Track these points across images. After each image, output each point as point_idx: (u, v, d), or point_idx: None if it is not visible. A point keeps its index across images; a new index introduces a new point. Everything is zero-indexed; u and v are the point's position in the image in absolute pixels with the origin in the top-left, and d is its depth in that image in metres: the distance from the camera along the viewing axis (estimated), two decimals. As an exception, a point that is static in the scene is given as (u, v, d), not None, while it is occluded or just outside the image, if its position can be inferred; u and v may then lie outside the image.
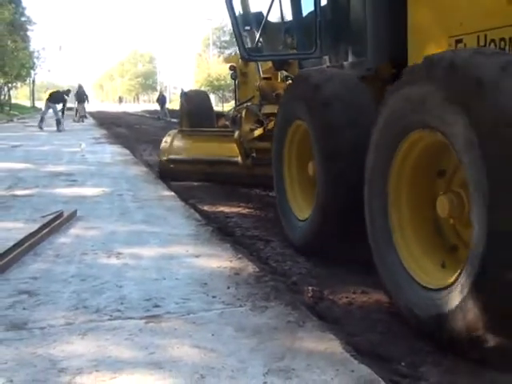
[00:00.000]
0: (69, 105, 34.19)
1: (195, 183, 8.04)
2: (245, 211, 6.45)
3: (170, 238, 4.82)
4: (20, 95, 78.23)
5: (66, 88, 25.92)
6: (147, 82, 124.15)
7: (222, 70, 41.19)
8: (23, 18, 44.54)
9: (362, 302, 3.49)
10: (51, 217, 5.32)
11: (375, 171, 3.39)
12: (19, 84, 51.43)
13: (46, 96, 22.94)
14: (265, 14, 6.08)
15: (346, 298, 3.55)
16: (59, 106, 22.64)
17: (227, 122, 8.60)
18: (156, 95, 45.67)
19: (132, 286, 3.59)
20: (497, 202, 2.45)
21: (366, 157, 3.45)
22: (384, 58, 4.43)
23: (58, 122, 21.21)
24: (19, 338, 2.79)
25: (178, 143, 8.34)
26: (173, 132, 8.81)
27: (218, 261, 4.09)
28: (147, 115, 39.01)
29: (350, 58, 4.94)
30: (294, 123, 4.74)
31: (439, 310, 2.75)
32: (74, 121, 27.97)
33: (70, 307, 3.21)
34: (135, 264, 4.07)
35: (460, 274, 2.67)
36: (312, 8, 5.29)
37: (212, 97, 50.62)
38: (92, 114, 35.67)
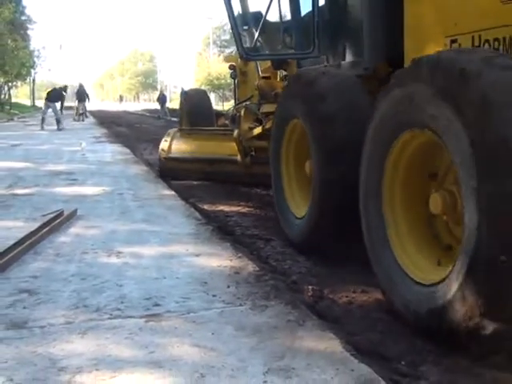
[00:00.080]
0: (69, 104, 34.27)
1: (195, 182, 8.05)
2: (245, 210, 6.45)
3: (171, 236, 4.82)
4: (20, 94, 78.19)
5: (62, 85, 25.68)
6: (147, 81, 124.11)
7: (222, 69, 41.15)
8: (23, 17, 44.57)
9: (362, 301, 3.50)
10: (51, 216, 5.32)
11: (369, 170, 3.44)
12: (19, 83, 51.45)
13: (44, 95, 23.01)
14: (263, 14, 6.09)
15: (346, 297, 3.55)
16: (58, 105, 22.61)
17: (227, 121, 8.61)
18: (156, 94, 45.73)
19: (132, 284, 3.59)
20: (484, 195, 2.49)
21: (361, 156, 3.50)
22: (381, 57, 4.46)
23: (58, 121, 21.21)
24: (19, 337, 2.79)
25: (177, 142, 8.36)
26: (172, 131, 8.83)
27: (218, 260, 4.09)
28: (147, 114, 39.01)
29: (348, 58, 4.97)
30: (291, 122, 4.79)
31: (436, 304, 2.77)
32: (75, 120, 27.96)
33: (70, 306, 3.21)
34: (135, 263, 4.07)
35: (453, 267, 2.71)
36: (310, 8, 5.32)
37: (212, 96, 50.66)
38: (92, 113, 35.65)
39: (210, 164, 7.87)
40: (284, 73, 6.53)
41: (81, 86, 29.94)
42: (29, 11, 69.78)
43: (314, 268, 4.14)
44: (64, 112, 25.68)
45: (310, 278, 3.87)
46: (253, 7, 6.92)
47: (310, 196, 4.41)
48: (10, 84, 44.60)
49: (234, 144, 7.22)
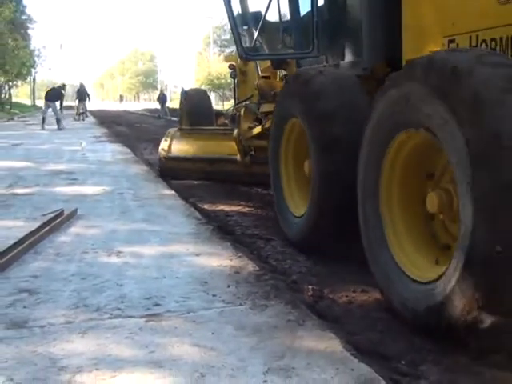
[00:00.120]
0: (70, 103, 34.26)
1: (195, 182, 8.05)
2: (245, 210, 6.45)
3: (171, 236, 4.82)
4: (20, 94, 78.21)
5: (60, 83, 25.53)
6: (148, 81, 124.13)
7: (223, 69, 41.12)
8: (24, 17, 44.59)
9: (362, 301, 3.50)
10: (52, 215, 5.32)
11: (367, 170, 3.48)
12: (20, 82, 51.43)
13: (43, 95, 23.03)
14: (263, 14, 6.10)
15: (346, 296, 3.55)
16: (58, 104, 22.57)
17: (226, 121, 8.62)
18: (156, 94, 45.71)
19: (132, 284, 3.59)
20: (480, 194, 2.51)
21: (359, 156, 3.54)
22: (379, 57, 4.49)
23: (58, 121, 21.21)
24: (19, 337, 2.79)
25: (177, 141, 8.37)
26: (172, 130, 8.84)
27: (219, 259, 4.09)
28: (148, 114, 39.01)
29: (347, 58, 4.99)
30: (290, 121, 4.82)
31: (434, 300, 2.79)
32: (75, 119, 27.97)
33: (71, 306, 3.21)
34: (136, 263, 4.07)
35: (450, 263, 2.73)
36: (309, 8, 5.34)
37: (212, 95, 50.63)
38: (93, 113, 35.65)
39: (210, 163, 7.88)
40: (284, 72, 6.54)
41: (81, 86, 29.93)
42: (29, 10, 70.02)
43: (314, 268, 4.14)
44: (64, 112, 25.68)
45: (310, 278, 3.87)
46: (252, 7, 6.94)
47: (309, 195, 4.43)
48: (10, 83, 44.59)
49: (234, 143, 7.23)
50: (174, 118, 24.54)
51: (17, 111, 40.63)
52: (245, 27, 6.69)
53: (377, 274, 3.38)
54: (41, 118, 22.36)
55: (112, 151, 12.62)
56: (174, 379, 2.38)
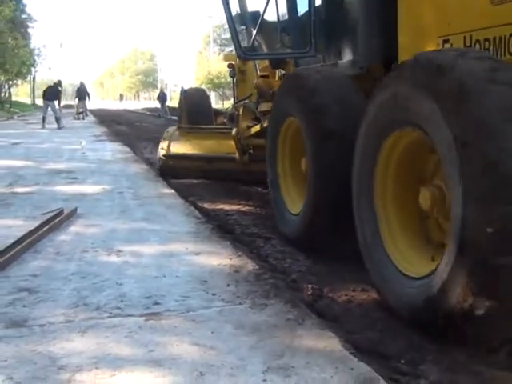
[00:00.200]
0: (69, 102, 34.21)
1: (195, 181, 8.05)
2: (245, 209, 6.45)
3: (170, 235, 4.82)
4: (20, 93, 78.18)
5: (56, 80, 25.30)
6: (148, 80, 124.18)
7: (222, 68, 41.08)
8: (24, 16, 44.55)
9: (361, 300, 3.50)
10: (51, 214, 5.32)
11: (361, 171, 3.55)
12: (20, 81, 51.39)
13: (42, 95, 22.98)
14: (261, 13, 6.12)
15: (346, 295, 3.55)
16: (57, 103, 22.49)
17: (225, 120, 8.63)
18: (156, 93, 45.68)
19: (132, 283, 3.59)
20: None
21: (354, 154, 3.60)
22: (376, 57, 4.52)
23: (58, 120, 21.20)
24: (19, 336, 2.79)
25: (176, 140, 8.38)
26: (172, 129, 8.84)
27: (218, 258, 4.09)
28: (148, 113, 39.02)
29: (344, 57, 5.02)
30: (287, 119, 4.87)
31: (430, 293, 2.81)
32: (75, 118, 27.95)
33: (70, 305, 3.21)
34: (135, 262, 4.07)
35: (444, 256, 2.78)
36: (307, 8, 5.37)
37: (212, 94, 50.61)
38: (92, 112, 35.65)
39: (209, 162, 7.90)
40: (282, 72, 6.55)
41: (82, 85, 29.88)
42: (29, 9, 69.85)
43: (314, 267, 4.14)
44: (64, 110, 25.64)
45: (310, 277, 3.87)
46: (251, 7, 6.96)
47: (306, 193, 4.48)
48: (10, 82, 44.55)
49: (233, 142, 7.26)
50: (174, 117, 24.48)
51: (17, 110, 40.63)
52: (243, 27, 6.72)
53: (372, 270, 3.43)
54: (41, 117, 22.36)
55: (112, 150, 12.62)
56: (174, 378, 2.38)
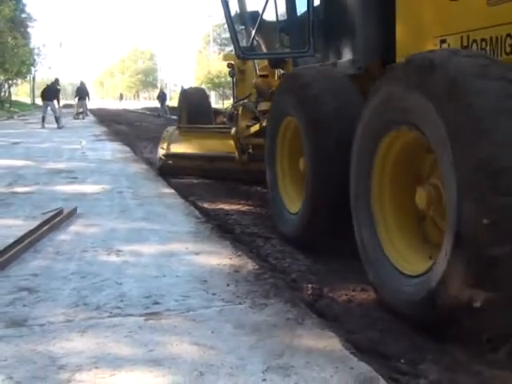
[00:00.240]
0: (69, 101, 34.15)
1: (195, 180, 8.06)
2: (244, 208, 6.45)
3: (170, 235, 4.82)
4: (20, 92, 78.24)
5: (53, 79, 25.19)
6: (147, 79, 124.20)
7: (222, 67, 41.06)
8: (23, 15, 44.57)
9: (361, 300, 3.50)
10: (51, 214, 5.32)
11: (359, 170, 3.58)
12: (19, 81, 51.39)
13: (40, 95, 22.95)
14: (260, 13, 6.13)
15: (346, 295, 3.55)
16: (56, 103, 22.43)
17: (225, 119, 8.64)
18: (156, 92, 45.66)
19: (132, 283, 3.59)
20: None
21: (351, 153, 3.64)
22: (374, 57, 4.54)
23: (57, 119, 21.20)
24: (19, 335, 2.79)
25: (176, 140, 8.38)
26: (171, 128, 8.84)
27: (218, 258, 4.09)
28: (147, 112, 39.00)
29: (342, 57, 5.04)
30: (285, 119, 4.89)
31: (429, 289, 2.82)
32: (75, 118, 27.93)
33: (70, 304, 3.21)
34: (135, 261, 4.07)
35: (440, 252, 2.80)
36: (305, 7, 5.38)
37: (212, 94, 50.58)
38: (92, 111, 35.65)
39: (209, 161, 7.91)
40: (281, 71, 6.56)
41: (82, 84, 29.78)
42: (29, 9, 69.94)
43: (314, 266, 4.14)
44: (64, 110, 25.61)
45: (310, 276, 3.87)
46: (250, 7, 6.97)
47: (304, 192, 4.50)
48: (10, 82, 44.55)
49: (232, 141, 7.27)
50: (174, 117, 24.45)
51: (16, 110, 40.62)
52: (242, 27, 6.73)
53: (369, 270, 3.46)
54: (40, 116, 22.35)
55: (112, 150, 12.62)
56: (173, 378, 2.38)
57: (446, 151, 2.69)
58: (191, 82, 56.48)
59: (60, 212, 5.43)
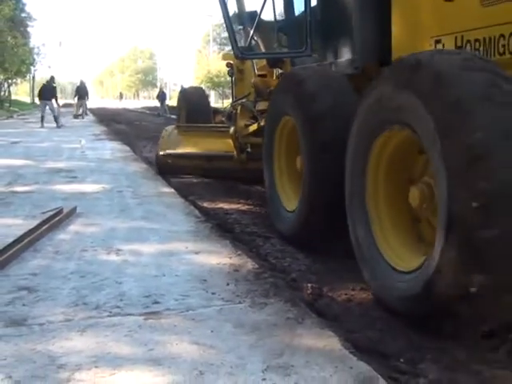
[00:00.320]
0: (69, 101, 34.10)
1: (195, 180, 8.06)
2: (244, 208, 6.45)
3: (170, 234, 4.82)
4: (20, 91, 78.20)
5: (49, 77, 25.00)
6: (147, 79, 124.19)
7: (222, 67, 41.05)
8: (23, 14, 44.47)
9: (361, 299, 3.50)
10: (51, 213, 5.32)
11: (354, 169, 3.63)
12: (19, 80, 51.37)
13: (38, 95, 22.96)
14: (258, 13, 6.15)
15: (346, 294, 3.55)
16: (54, 102, 22.36)
17: (223, 119, 8.66)
18: (156, 91, 45.61)
19: (131, 282, 3.59)
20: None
21: (346, 153, 3.68)
22: (371, 57, 4.57)
23: (56, 119, 21.18)
24: (18, 334, 2.79)
25: (175, 139, 8.39)
26: (170, 128, 8.85)
27: (218, 257, 4.09)
28: (147, 112, 38.98)
29: (339, 57, 5.06)
30: (283, 118, 4.92)
31: (424, 281, 2.85)
32: (74, 117, 27.89)
33: (70, 303, 3.21)
34: (135, 260, 4.07)
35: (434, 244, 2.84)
36: (303, 8, 5.40)
37: (212, 93, 50.54)
38: (92, 111, 35.62)
39: (207, 160, 7.93)
40: (280, 71, 6.57)
41: (82, 83, 29.68)
42: (29, 8, 69.72)
43: (314, 266, 4.14)
44: (63, 109, 25.57)
45: (310, 276, 3.87)
46: (248, 7, 6.99)
47: (300, 191, 4.53)
48: (9, 81, 44.50)
49: (231, 141, 7.29)
50: (174, 116, 24.44)
51: (16, 109, 40.56)
52: (240, 27, 6.74)
53: (364, 268, 3.49)
54: (39, 115, 22.33)
55: (111, 149, 12.62)
56: (173, 377, 2.38)
57: (435, 143, 2.75)
58: (191, 82, 56.54)
59: (59, 211, 5.43)
